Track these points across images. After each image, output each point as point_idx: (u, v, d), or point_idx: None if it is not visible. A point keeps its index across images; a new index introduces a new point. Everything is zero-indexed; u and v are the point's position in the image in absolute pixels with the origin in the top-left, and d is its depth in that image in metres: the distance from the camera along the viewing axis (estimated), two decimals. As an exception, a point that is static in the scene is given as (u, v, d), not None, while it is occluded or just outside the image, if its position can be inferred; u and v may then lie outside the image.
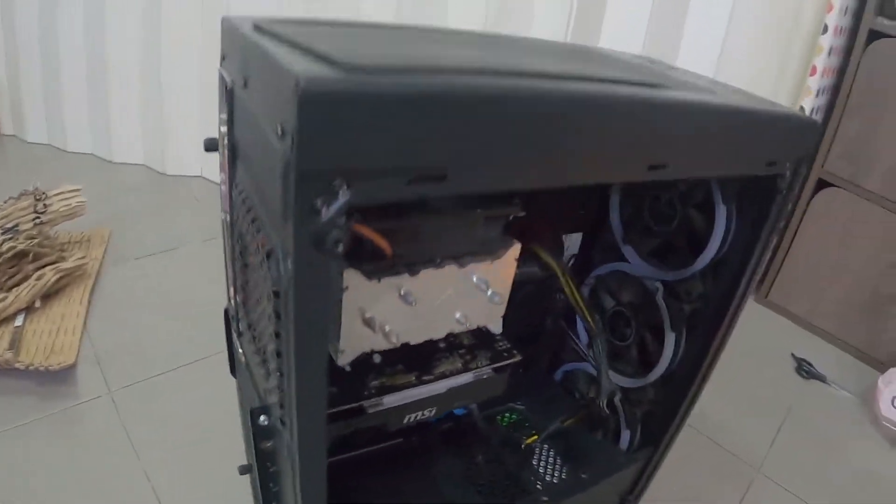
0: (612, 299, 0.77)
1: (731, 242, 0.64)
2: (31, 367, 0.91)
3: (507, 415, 0.81)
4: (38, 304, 1.02)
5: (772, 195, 0.59)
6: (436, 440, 0.73)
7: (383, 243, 0.37)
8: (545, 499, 0.69)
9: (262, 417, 0.44)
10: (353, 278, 0.39)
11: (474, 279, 0.45)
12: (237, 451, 0.75)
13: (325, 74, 0.27)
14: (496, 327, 0.50)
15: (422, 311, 0.45)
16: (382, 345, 0.45)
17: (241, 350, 0.53)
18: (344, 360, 0.44)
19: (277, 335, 0.34)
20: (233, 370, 0.63)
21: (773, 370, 1.37)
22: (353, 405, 0.49)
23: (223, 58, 0.45)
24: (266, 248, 0.34)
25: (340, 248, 0.29)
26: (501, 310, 0.52)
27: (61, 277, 1.06)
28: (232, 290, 0.52)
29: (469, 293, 0.46)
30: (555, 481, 0.73)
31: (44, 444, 0.87)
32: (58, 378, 0.95)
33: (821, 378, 1.33)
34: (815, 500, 1.03)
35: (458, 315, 0.46)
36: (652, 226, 0.71)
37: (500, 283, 0.47)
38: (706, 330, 0.68)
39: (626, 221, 0.75)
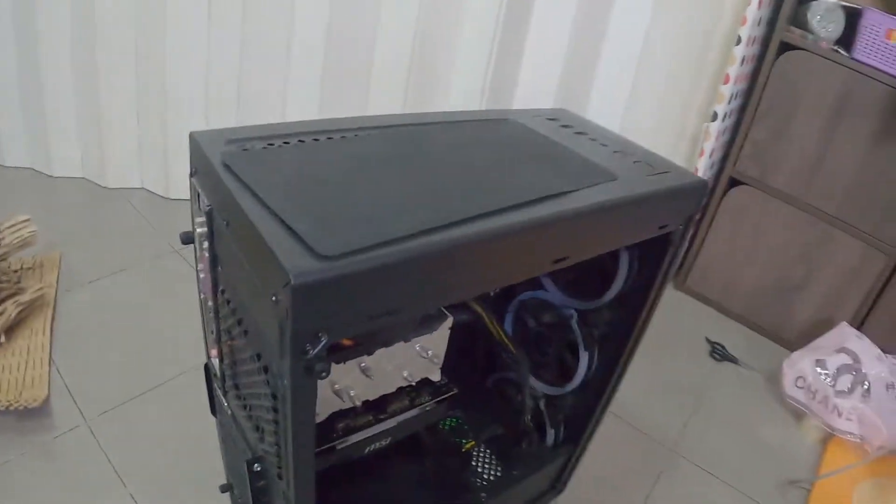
0: (534, 321, 0.91)
1: (633, 280, 0.79)
2: (10, 408, 0.97)
3: (447, 421, 0.94)
4: (2, 339, 1.09)
5: (665, 247, 0.74)
6: (390, 451, 0.90)
7: (348, 342, 0.52)
8: (483, 495, 0.85)
9: (255, 465, 0.59)
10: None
11: (417, 348, 0.60)
12: (217, 469, 0.86)
13: (308, 267, 0.38)
14: (436, 377, 0.65)
15: (377, 377, 0.59)
16: (348, 405, 0.60)
17: (226, 403, 0.67)
18: (319, 419, 0.59)
19: (276, 423, 0.48)
20: (213, 411, 0.76)
21: (688, 354, 1.55)
22: (327, 446, 0.64)
23: (194, 171, 0.55)
24: (262, 363, 0.48)
25: (324, 374, 0.44)
26: (439, 364, 0.66)
27: (22, 310, 1.14)
28: (213, 352, 0.66)
29: (413, 358, 0.61)
30: (492, 479, 0.89)
31: (29, 481, 0.92)
32: (33, 412, 1.00)
33: (732, 360, 1.53)
34: (724, 474, 1.21)
35: (405, 374, 0.61)
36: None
37: (438, 347, 0.61)
38: (615, 348, 0.84)
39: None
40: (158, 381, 1.12)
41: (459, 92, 1.59)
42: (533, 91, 1.62)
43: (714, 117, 1.48)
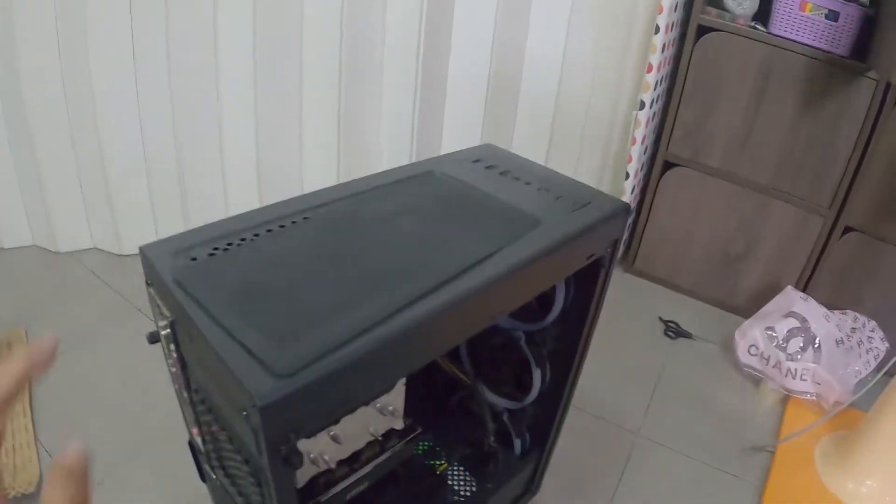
0: (487, 345, 1.00)
1: (572, 300, 0.88)
2: (7, 496, 1.00)
3: (420, 445, 1.04)
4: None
5: (596, 271, 0.83)
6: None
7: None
8: None
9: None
10: (301, 443, 0.65)
11: (378, 407, 0.72)
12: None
13: (270, 387, 0.45)
14: (399, 425, 0.76)
15: (346, 440, 0.68)
16: (324, 468, 0.71)
17: (213, 476, 0.78)
18: (300, 485, 0.70)
19: (262, 496, 0.60)
20: (202, 479, 0.87)
21: (643, 336, 1.66)
22: (312, 503, 0.76)
23: (150, 282, 0.61)
24: (243, 456, 0.59)
25: (298, 462, 0.55)
26: (400, 415, 0.75)
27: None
28: (195, 430, 0.76)
29: (376, 416, 0.71)
30: (468, 494, 0.98)
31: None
32: (25, 495, 1.04)
33: (687, 335, 1.65)
34: (690, 449, 1.32)
35: (371, 430, 0.72)
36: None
37: (396, 402, 0.70)
38: (565, 361, 0.94)
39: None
40: (144, 446, 1.18)
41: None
42: (462, 85, 1.73)
43: (641, 106, 1.57)
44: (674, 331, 1.66)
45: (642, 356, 1.60)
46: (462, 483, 1.01)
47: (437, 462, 1.02)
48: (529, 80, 1.74)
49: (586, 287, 0.86)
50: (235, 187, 1.70)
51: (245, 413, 0.49)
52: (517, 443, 1.05)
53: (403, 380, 0.71)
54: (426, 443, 1.06)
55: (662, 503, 1.22)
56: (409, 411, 0.85)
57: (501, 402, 1.03)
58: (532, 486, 1.13)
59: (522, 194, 0.79)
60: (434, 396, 1.10)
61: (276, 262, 0.61)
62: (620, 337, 1.64)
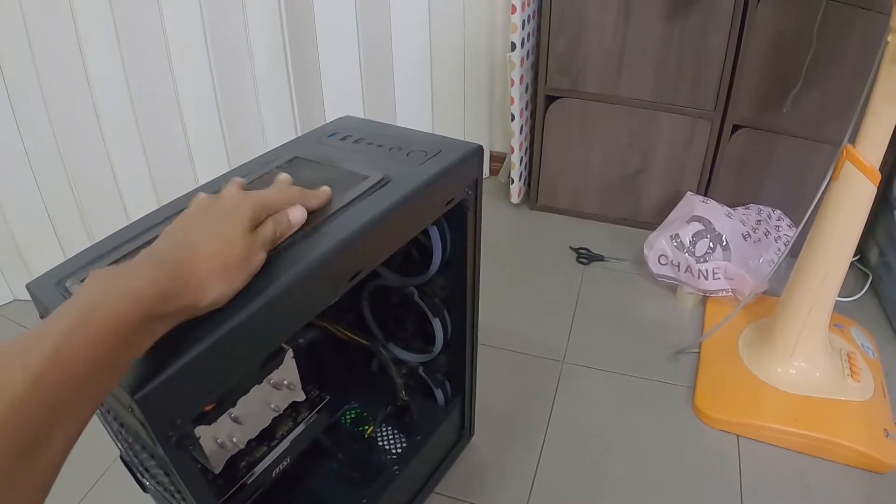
0: (387, 306, 1.07)
1: (452, 247, 0.94)
2: None
3: (347, 414, 1.12)
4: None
5: (464, 213, 0.90)
6: (307, 458, 1.02)
7: (209, 407, 0.71)
8: (396, 468, 1.03)
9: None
10: (201, 430, 0.70)
11: (272, 384, 0.79)
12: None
13: (142, 378, 0.50)
14: (300, 397, 0.83)
15: (249, 420, 0.75)
16: (235, 450, 0.77)
17: (147, 483, 0.85)
18: (218, 470, 0.76)
19: (179, 491, 0.67)
20: (144, 490, 0.94)
21: (556, 268, 1.75)
22: (238, 486, 0.83)
23: (42, 316, 0.66)
24: (147, 452, 0.66)
25: (192, 447, 0.62)
26: (299, 387, 0.80)
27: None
28: (121, 446, 0.82)
29: (273, 392, 0.79)
30: (400, 451, 1.06)
31: None
32: None
33: (599, 258, 1.75)
34: (618, 366, 1.42)
35: (273, 406, 0.80)
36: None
37: (290, 375, 0.76)
38: (459, 305, 1.01)
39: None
40: (102, 470, 1.22)
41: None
42: (334, 56, 1.79)
43: (513, 47, 1.64)
44: (585, 256, 1.75)
45: (558, 287, 1.68)
46: (392, 441, 1.09)
47: (365, 427, 1.10)
48: (400, 40, 1.80)
49: (460, 231, 0.93)
50: (133, 202, 1.73)
51: (130, 409, 0.56)
52: (438, 393, 1.13)
53: (290, 355, 0.78)
54: (353, 411, 1.14)
55: (597, 422, 1.30)
56: (330, 385, 0.93)
57: (414, 358, 1.12)
58: (464, 430, 1.23)
59: (375, 158, 0.84)
60: (354, 367, 1.18)
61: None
62: (534, 273, 1.73)
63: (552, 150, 1.89)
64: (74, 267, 0.67)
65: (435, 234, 0.94)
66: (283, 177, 0.71)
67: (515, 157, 1.87)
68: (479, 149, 0.89)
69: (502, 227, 1.96)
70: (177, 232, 0.55)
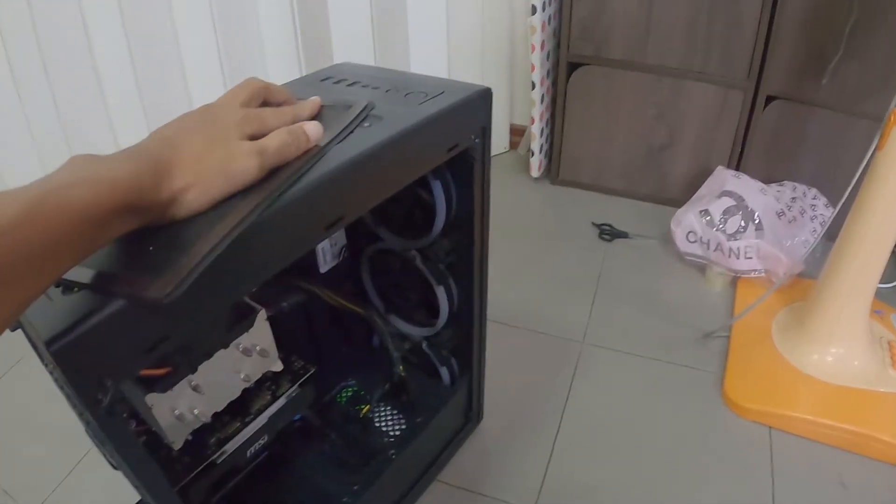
0: (388, 271, 0.98)
1: (456, 204, 0.84)
2: None
3: (343, 392, 1.02)
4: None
5: (470, 164, 0.79)
6: (296, 439, 0.94)
7: (161, 371, 0.61)
8: (392, 452, 0.93)
9: (141, 503, 0.67)
10: (153, 398, 0.59)
11: (241, 349, 0.69)
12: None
13: (58, 328, 0.42)
14: (277, 367, 0.73)
15: (213, 390, 0.64)
16: (197, 424, 0.68)
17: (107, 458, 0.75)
18: (178, 445, 0.67)
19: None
20: (113, 467, 0.85)
21: (578, 244, 1.64)
22: (205, 464, 0.73)
23: None
24: (85, 419, 0.56)
25: (124, 413, 0.52)
26: (274, 355, 0.71)
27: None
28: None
29: (242, 359, 0.68)
30: (398, 433, 0.96)
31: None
32: None
33: (623, 235, 1.63)
34: (641, 348, 1.31)
35: (242, 376, 0.69)
36: (393, 209, 0.90)
37: (263, 340, 0.66)
38: (466, 273, 0.91)
39: (372, 210, 0.98)
40: (79, 457, 1.14)
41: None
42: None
43: (533, 10, 1.54)
44: (608, 233, 1.64)
45: (579, 264, 1.57)
46: (390, 422, 0.99)
47: (361, 406, 1.00)
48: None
49: (467, 187, 0.83)
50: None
51: (49, 368, 0.46)
52: (443, 371, 1.03)
53: (263, 316, 0.68)
54: (350, 390, 1.04)
55: (617, 409, 1.20)
56: (325, 360, 0.82)
57: (417, 332, 1.02)
58: (472, 414, 1.12)
59: (368, 97, 0.74)
60: (354, 342, 1.08)
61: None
62: (554, 249, 1.62)
63: (574, 121, 1.78)
64: None
65: (438, 188, 0.83)
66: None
67: (536, 129, 1.76)
68: (488, 91, 0.78)
69: (521, 203, 1.85)
70: (163, 131, 0.53)
